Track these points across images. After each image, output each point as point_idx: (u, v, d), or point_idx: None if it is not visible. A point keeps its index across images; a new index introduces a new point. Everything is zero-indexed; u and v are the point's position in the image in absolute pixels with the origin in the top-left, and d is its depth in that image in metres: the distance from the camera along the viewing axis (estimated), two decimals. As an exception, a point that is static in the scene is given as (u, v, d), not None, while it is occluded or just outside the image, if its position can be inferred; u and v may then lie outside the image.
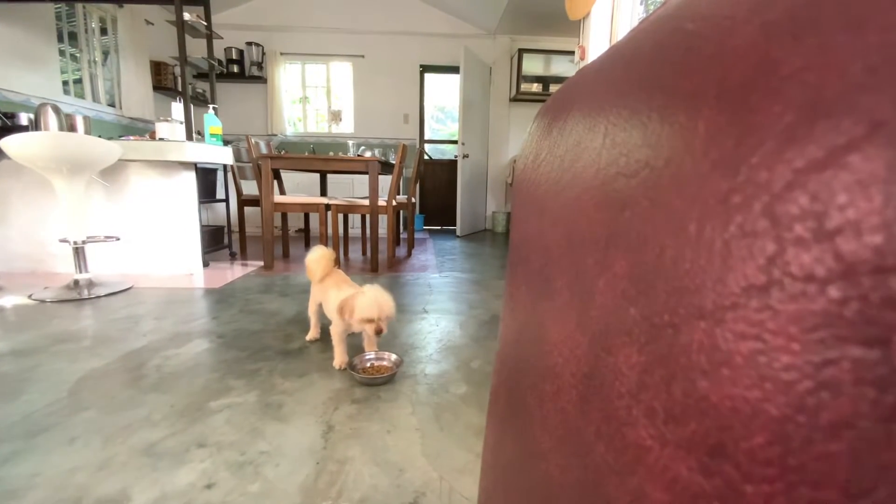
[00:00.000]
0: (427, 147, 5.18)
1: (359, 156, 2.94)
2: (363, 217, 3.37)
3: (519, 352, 0.27)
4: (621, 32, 2.41)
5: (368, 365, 1.29)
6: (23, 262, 2.45)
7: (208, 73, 2.99)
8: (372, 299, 1.22)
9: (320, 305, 1.48)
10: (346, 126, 5.03)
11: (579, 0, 2.57)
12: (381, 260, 3.08)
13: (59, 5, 3.22)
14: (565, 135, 0.23)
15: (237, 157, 3.84)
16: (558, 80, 4.56)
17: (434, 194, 5.14)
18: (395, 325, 1.70)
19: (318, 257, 1.46)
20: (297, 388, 1.17)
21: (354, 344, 1.40)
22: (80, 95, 3.53)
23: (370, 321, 1.21)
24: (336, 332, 1.33)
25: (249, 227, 4.15)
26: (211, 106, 2.69)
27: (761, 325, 0.09)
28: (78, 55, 3.52)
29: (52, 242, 2.39)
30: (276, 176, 3.15)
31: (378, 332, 1.22)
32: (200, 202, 2.59)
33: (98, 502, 0.74)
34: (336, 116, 4.77)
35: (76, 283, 2.05)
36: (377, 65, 4.85)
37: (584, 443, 0.16)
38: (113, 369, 1.26)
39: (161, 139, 2.34)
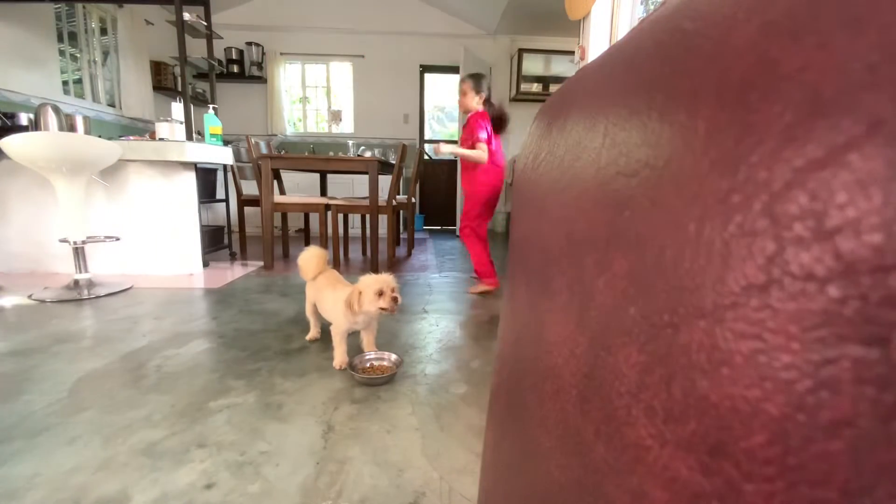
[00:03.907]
0: (427, 147, 5.18)
1: (359, 156, 2.95)
2: (363, 217, 3.37)
3: (519, 352, 0.27)
4: (621, 32, 2.41)
5: (368, 365, 1.29)
6: (23, 262, 2.45)
7: (208, 73, 2.99)
8: (371, 278, 1.25)
9: (316, 305, 1.49)
10: (346, 126, 5.02)
11: (579, 0, 2.57)
12: (381, 260, 3.08)
13: (59, 5, 3.22)
14: (565, 134, 0.23)
15: (237, 157, 3.84)
16: (558, 80, 4.56)
17: (434, 194, 5.14)
18: (395, 325, 1.70)
19: (309, 256, 1.48)
20: (296, 388, 1.17)
21: (354, 344, 1.40)
22: (80, 95, 3.53)
23: (381, 294, 1.23)
24: (338, 331, 1.32)
25: (249, 227, 4.14)
26: (211, 106, 2.69)
27: (761, 324, 0.09)
28: (78, 55, 3.52)
29: (51, 242, 2.39)
30: (276, 176, 3.15)
31: (395, 301, 1.25)
32: (200, 202, 2.59)
33: (98, 502, 0.74)
34: (336, 116, 4.77)
35: (76, 283, 2.05)
36: (377, 65, 4.85)
37: (584, 442, 0.16)
38: (113, 369, 1.26)
39: (161, 139, 2.34)
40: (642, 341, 0.13)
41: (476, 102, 2.21)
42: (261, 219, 2.70)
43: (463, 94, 2.22)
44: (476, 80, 2.22)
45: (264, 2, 4.68)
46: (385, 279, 1.25)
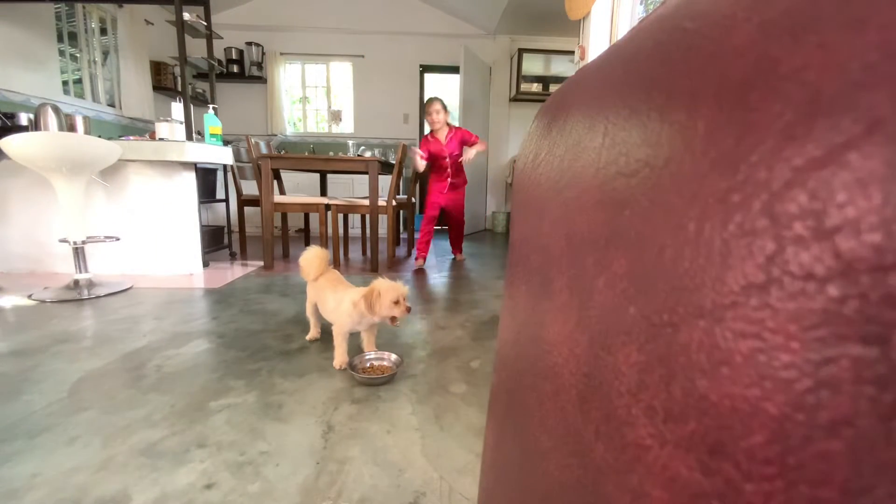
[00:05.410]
0: (427, 147, 5.18)
1: (359, 156, 2.95)
2: (363, 217, 3.37)
3: (518, 351, 0.27)
4: (621, 32, 2.41)
5: (368, 365, 1.29)
6: (23, 262, 2.45)
7: (208, 73, 2.99)
8: (388, 284, 1.26)
9: (317, 305, 1.49)
10: (346, 126, 5.02)
11: (579, 0, 2.57)
12: (381, 260, 3.08)
13: (59, 5, 3.22)
14: (565, 134, 0.23)
15: (237, 157, 3.84)
16: (558, 80, 4.56)
17: (434, 194, 5.14)
18: (395, 325, 1.70)
19: (311, 256, 1.47)
20: (296, 388, 1.17)
21: (354, 344, 1.40)
22: (80, 95, 3.53)
23: (397, 303, 1.25)
24: (341, 332, 1.32)
25: (249, 227, 4.15)
26: (211, 106, 2.69)
27: (761, 324, 0.09)
28: (78, 55, 3.52)
29: (52, 242, 2.39)
30: (276, 176, 3.15)
31: (407, 310, 1.27)
32: (200, 202, 2.59)
33: (98, 502, 0.74)
34: (336, 116, 4.77)
35: (76, 283, 2.05)
36: (377, 65, 4.84)
37: (584, 442, 0.16)
38: (113, 369, 1.26)
39: (161, 139, 2.34)
40: (642, 341, 0.13)
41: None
42: (261, 219, 2.70)
43: (437, 112, 2.82)
44: (443, 102, 2.88)
45: (264, 2, 4.68)
46: (400, 288, 1.26)
